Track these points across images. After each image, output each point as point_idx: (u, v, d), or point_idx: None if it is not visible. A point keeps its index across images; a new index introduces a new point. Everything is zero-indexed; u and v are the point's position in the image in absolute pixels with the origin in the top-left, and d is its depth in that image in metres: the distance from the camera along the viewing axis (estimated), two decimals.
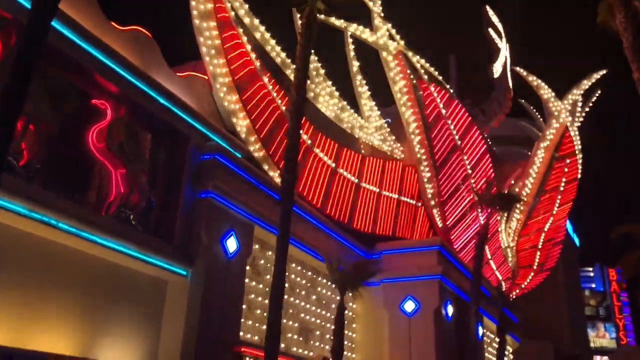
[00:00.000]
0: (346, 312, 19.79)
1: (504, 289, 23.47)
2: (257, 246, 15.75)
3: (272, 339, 12.10)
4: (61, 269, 10.73)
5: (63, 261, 10.76)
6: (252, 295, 15.28)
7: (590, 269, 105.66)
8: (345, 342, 19.44)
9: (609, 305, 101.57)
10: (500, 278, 26.27)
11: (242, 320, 14.44)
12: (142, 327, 12.30)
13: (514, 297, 31.19)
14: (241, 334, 14.34)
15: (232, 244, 13.87)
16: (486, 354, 24.94)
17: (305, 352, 17.20)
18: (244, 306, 14.59)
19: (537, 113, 35.48)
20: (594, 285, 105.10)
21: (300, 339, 17.21)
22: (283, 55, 18.68)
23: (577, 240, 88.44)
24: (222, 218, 13.73)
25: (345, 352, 19.28)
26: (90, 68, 11.32)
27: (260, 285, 15.51)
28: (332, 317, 16.76)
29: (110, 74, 11.64)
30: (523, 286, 29.26)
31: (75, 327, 10.99)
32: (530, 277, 30.37)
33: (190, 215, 13.27)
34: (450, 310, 20.37)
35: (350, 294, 18.53)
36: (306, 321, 17.70)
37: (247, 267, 15.09)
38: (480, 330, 23.44)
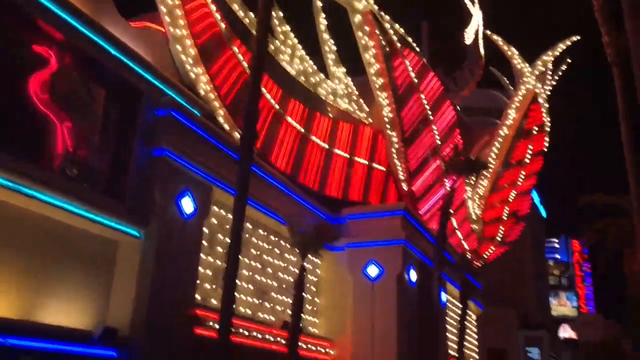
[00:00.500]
0: (311, 277, 19.62)
1: (468, 257, 23.49)
2: (216, 208, 15.28)
3: (228, 301, 11.79)
4: (2, 227, 10.11)
5: (3, 219, 10.13)
6: (210, 258, 14.86)
7: (556, 240, 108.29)
8: (309, 307, 19.31)
9: (571, 275, 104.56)
10: (467, 247, 26.35)
11: (199, 283, 14.05)
12: (92, 289, 11.80)
13: (478, 265, 31.47)
14: (198, 297, 13.96)
15: (188, 205, 13.36)
16: (449, 319, 25.09)
17: (266, 316, 16.93)
18: (200, 269, 14.18)
19: (508, 83, 35.37)
20: (558, 256, 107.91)
21: (260, 302, 16.93)
22: (251, 16, 17.89)
23: (544, 212, 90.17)
24: (177, 178, 13.17)
25: (308, 317, 19.17)
26: (31, 12, 10.52)
27: (219, 248, 15.08)
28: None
29: (54, 19, 10.85)
30: (485, 256, 29.44)
31: (18, 288, 10.43)
32: (491, 250, 30.59)
33: (144, 174, 12.67)
34: (413, 275, 20.31)
35: (312, 258, 18.32)
36: (268, 285, 17.40)
37: (205, 230, 14.65)
38: (444, 296, 23.55)
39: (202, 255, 14.30)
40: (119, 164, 12.40)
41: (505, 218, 31.52)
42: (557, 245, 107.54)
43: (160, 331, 12.10)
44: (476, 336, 32.15)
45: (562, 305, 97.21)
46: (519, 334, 57.55)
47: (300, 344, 17.62)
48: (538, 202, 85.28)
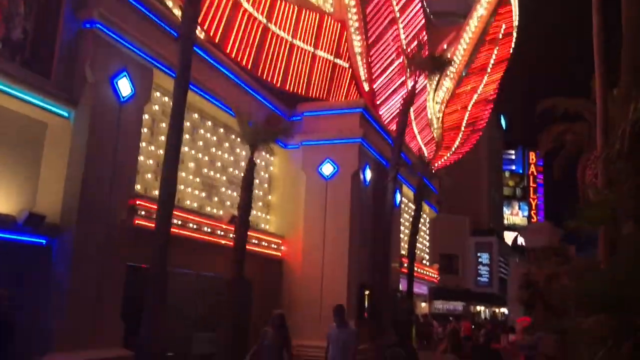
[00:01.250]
0: (263, 174, 18.98)
1: (426, 159, 23.16)
2: (159, 94, 14.16)
3: (168, 192, 11.07)
4: None
5: None
6: (152, 147, 13.94)
7: (513, 151, 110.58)
8: (260, 204, 18.80)
9: (525, 187, 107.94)
10: (425, 151, 26.00)
11: (139, 172, 13.20)
12: (19, 174, 10.80)
13: (434, 169, 31.46)
14: (138, 187, 13.16)
15: (125, 87, 12.19)
16: (402, 220, 25.15)
17: (215, 211, 16.34)
18: (141, 158, 13.27)
19: None
20: (514, 167, 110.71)
21: (209, 196, 16.28)
22: None
23: (503, 123, 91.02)
24: (112, 55, 11.90)
25: (259, 213, 18.70)
26: None
27: (162, 138, 14.09)
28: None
29: None
30: (439, 162, 29.31)
31: None
32: (447, 156, 30.41)
33: (72, 48, 11.38)
34: (368, 174, 19.87)
35: (265, 154, 17.57)
36: (217, 180, 16.69)
37: (146, 116, 13.60)
38: (398, 197, 23.38)
39: (142, 143, 13.34)
40: (45, 36, 11.04)
41: (464, 127, 31.21)
42: (513, 157, 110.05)
43: (94, 219, 11.32)
44: (428, 239, 32.70)
45: (514, 215, 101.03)
46: (471, 240, 59.73)
47: (251, 239, 17.33)
48: (499, 115, 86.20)
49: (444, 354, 22.48)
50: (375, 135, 20.66)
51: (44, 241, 10.76)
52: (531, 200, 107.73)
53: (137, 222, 12.31)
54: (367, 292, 19.23)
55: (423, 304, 37.19)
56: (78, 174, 11.15)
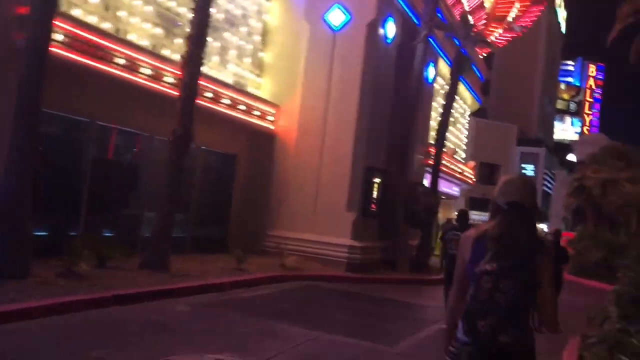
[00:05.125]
0: (255, 22, 14.89)
1: (469, 23, 18.35)
2: None
3: None
4: None
5: None
6: None
7: (572, 62, 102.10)
8: (250, 61, 14.86)
9: (581, 101, 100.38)
10: (470, 19, 20.85)
11: None
12: None
13: (482, 54, 26.43)
14: None
15: None
16: (435, 105, 20.77)
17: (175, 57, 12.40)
18: None
19: None
20: (571, 79, 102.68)
21: (161, 32, 12.31)
22: None
23: (564, 29, 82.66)
24: None
25: (250, 75, 14.81)
26: None
27: None
28: None
29: None
30: (491, 39, 24.12)
31: None
32: (497, 33, 25.11)
33: None
34: (391, 29, 15.37)
35: None
36: (177, 13, 12.63)
37: None
38: (431, 72, 18.92)
39: None
40: None
41: None
42: (571, 68, 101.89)
43: None
44: (467, 133, 28.28)
45: (565, 130, 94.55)
46: (516, 149, 54.99)
47: (237, 105, 13.59)
48: (560, 19, 77.84)
49: None
50: None
51: None
52: (585, 115, 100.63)
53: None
54: (377, 181, 15.38)
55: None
56: None
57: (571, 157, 64.13)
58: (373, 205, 15.28)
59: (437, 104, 20.94)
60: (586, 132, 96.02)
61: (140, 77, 10.74)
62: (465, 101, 26.57)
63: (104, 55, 9.87)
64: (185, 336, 6.46)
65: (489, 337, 2.49)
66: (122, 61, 10.19)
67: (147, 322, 6.96)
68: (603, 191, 21.94)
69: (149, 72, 10.90)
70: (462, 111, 26.68)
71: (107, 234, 11.59)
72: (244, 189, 15.47)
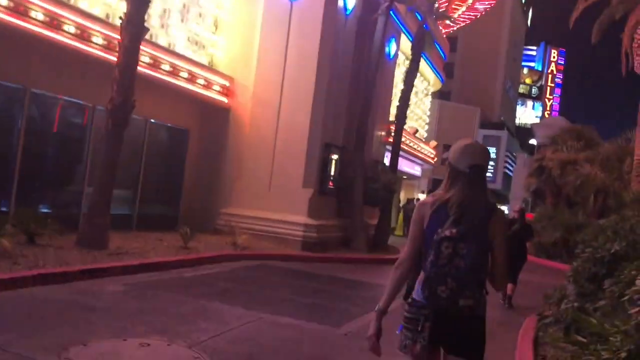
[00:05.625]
0: None
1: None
2: None
3: None
4: None
5: None
6: None
7: (534, 47, 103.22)
8: (203, 29, 14.07)
9: (542, 86, 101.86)
10: None
11: None
12: None
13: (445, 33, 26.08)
14: None
15: None
16: (396, 81, 20.33)
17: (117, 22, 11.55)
18: None
19: None
20: (533, 64, 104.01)
21: None
22: None
23: (527, 14, 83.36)
24: None
25: (199, 48, 14.03)
26: None
27: None
28: None
29: None
30: (452, 17, 23.77)
31: None
32: (462, 9, 24.81)
33: None
34: (350, 0, 14.81)
35: None
36: None
37: None
38: (393, 47, 18.45)
39: None
40: None
41: None
42: (534, 53, 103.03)
43: None
44: (429, 113, 27.99)
45: (526, 114, 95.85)
46: (479, 132, 55.33)
47: (189, 76, 12.87)
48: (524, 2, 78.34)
49: None
50: None
51: None
52: (546, 100, 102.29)
53: None
54: (335, 157, 14.88)
55: (421, 195, 33.25)
56: None
57: (532, 140, 64.98)
58: (330, 183, 14.80)
59: (399, 80, 20.47)
60: (547, 116, 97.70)
61: (70, 38, 9.84)
62: (428, 80, 26.19)
63: (25, 11, 8.99)
64: (111, 319, 5.86)
65: (449, 301, 2.50)
66: (41, 17, 9.25)
67: (71, 303, 6.33)
68: (562, 172, 21.94)
69: (74, 30, 9.95)
70: (424, 90, 26.31)
71: (44, 211, 10.83)
72: (196, 165, 14.80)
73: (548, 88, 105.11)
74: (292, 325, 6.49)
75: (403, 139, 18.48)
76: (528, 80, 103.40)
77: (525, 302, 9.74)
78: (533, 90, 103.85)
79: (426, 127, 28.04)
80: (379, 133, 18.27)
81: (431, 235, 2.57)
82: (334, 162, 14.83)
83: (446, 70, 27.60)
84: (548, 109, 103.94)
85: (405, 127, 18.93)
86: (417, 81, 24.30)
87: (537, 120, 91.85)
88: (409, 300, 2.64)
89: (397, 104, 17.73)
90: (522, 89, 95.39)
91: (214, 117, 14.61)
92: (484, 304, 2.60)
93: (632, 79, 19.90)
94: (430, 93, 27.43)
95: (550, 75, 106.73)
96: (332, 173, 14.87)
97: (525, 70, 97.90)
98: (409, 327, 2.59)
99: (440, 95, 49.13)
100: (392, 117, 18.92)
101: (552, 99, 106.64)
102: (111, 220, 9.70)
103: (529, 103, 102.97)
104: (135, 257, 9.15)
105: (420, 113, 26.00)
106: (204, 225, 13.88)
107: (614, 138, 21.92)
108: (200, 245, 11.41)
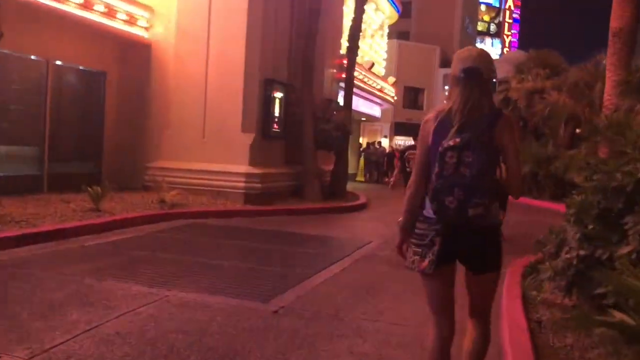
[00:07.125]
0: None
1: None
2: None
3: None
4: None
5: None
6: None
7: None
8: None
9: (500, 22, 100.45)
10: None
11: None
12: None
13: None
14: None
15: None
16: (346, 10, 18.27)
17: None
18: None
19: None
20: (491, 1, 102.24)
21: None
22: None
23: None
24: None
25: None
26: None
27: None
28: None
29: None
30: None
31: None
32: None
33: None
34: None
35: None
36: None
37: None
38: None
39: None
40: None
41: None
42: None
43: None
44: (386, 48, 26.05)
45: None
46: (439, 71, 53.97)
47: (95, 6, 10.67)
48: None
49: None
50: None
51: None
52: (505, 36, 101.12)
53: None
54: (279, 96, 12.99)
55: (384, 140, 31.71)
56: None
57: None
58: (275, 125, 12.96)
59: (349, 8, 18.44)
60: (506, 53, 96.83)
61: None
62: (383, 11, 24.12)
63: None
64: None
65: (458, 212, 2.41)
66: None
67: None
68: (529, 102, 20.52)
69: None
70: (380, 23, 24.28)
71: None
72: (117, 114, 12.78)
73: (506, 24, 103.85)
74: (207, 305, 4.79)
75: (357, 74, 16.64)
76: (486, 18, 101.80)
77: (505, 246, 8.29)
78: (491, 27, 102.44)
79: (383, 62, 26.13)
80: (330, 70, 16.37)
81: (436, 150, 2.46)
82: (278, 101, 12.94)
83: (404, 10, 25.72)
84: (507, 45, 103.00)
85: (360, 61, 17.05)
86: (372, 12, 22.33)
87: (497, 57, 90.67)
88: (420, 218, 2.58)
89: (348, 33, 15.79)
90: (480, 26, 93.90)
91: (133, 56, 12.53)
92: (497, 214, 2.54)
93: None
94: (387, 33, 25.43)
95: (508, 12, 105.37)
96: (277, 114, 13.01)
97: (483, 7, 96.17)
98: (418, 242, 2.55)
99: (398, 36, 47.52)
100: (343, 51, 16.99)
101: (511, 35, 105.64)
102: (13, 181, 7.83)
103: (488, 40, 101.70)
104: (24, 226, 7.28)
105: (376, 46, 24.04)
106: (132, 183, 12.03)
107: (581, 64, 20.47)
108: (118, 206, 9.56)
